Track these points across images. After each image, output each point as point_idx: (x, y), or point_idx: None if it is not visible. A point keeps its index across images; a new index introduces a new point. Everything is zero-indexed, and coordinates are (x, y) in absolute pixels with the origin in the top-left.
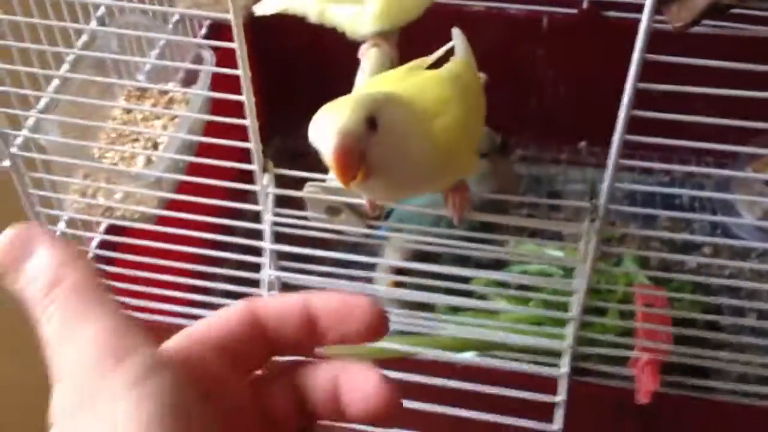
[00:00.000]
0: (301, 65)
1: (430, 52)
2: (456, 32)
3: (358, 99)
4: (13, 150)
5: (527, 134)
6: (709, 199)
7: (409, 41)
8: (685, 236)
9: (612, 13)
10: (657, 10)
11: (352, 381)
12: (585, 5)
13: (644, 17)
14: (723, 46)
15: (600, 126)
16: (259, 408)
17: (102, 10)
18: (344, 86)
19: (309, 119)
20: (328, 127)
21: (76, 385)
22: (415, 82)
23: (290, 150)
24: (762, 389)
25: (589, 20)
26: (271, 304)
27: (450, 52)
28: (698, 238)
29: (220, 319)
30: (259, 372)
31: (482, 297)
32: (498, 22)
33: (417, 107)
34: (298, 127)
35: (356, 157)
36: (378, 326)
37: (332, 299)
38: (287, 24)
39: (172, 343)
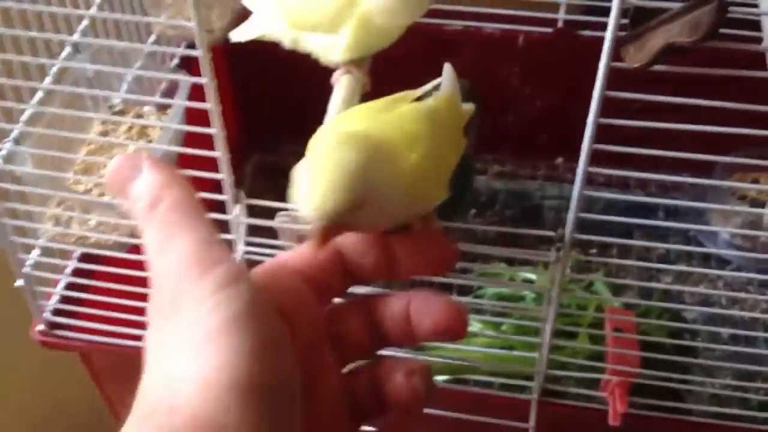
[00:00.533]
0: (279, 83)
1: (408, 72)
2: (446, 68)
3: (350, 180)
4: None
5: (504, 150)
6: (684, 220)
7: (387, 61)
8: (654, 264)
9: (586, 33)
10: (615, 53)
11: (422, 304)
12: (560, 24)
13: (603, 58)
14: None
15: (576, 142)
16: (333, 333)
17: (76, 37)
18: (321, 105)
19: (287, 136)
20: (314, 211)
21: (168, 289)
22: (390, 118)
23: (269, 166)
24: (732, 411)
25: (564, 39)
26: (352, 239)
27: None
28: (669, 267)
29: (304, 250)
30: (337, 301)
31: None
32: (475, 40)
33: (387, 146)
34: (276, 143)
35: (337, 232)
36: (448, 259)
37: (410, 235)
38: (265, 44)
39: (259, 268)
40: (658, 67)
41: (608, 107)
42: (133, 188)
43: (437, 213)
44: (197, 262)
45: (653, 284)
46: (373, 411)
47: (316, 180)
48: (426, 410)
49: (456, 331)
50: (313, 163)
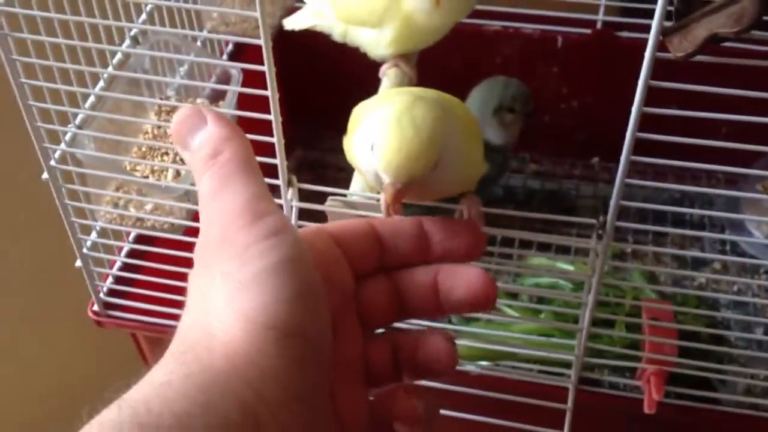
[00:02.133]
0: (323, 79)
1: (451, 70)
2: None
3: (432, 135)
4: (52, 163)
5: (541, 150)
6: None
7: (430, 58)
8: (693, 253)
9: (624, 34)
10: (661, 41)
11: (452, 274)
12: (599, 26)
13: (648, 48)
14: (733, 69)
15: (612, 143)
16: (360, 300)
17: (135, 30)
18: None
19: (329, 132)
20: (404, 163)
21: (219, 231)
22: (431, 92)
23: (311, 162)
24: (766, 401)
25: (603, 40)
26: (389, 221)
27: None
28: (707, 255)
29: (344, 222)
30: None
31: (495, 309)
32: (514, 40)
33: (447, 107)
34: (318, 139)
35: (415, 191)
36: (478, 243)
37: (443, 219)
38: (310, 39)
39: (300, 230)
40: (700, 58)
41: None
42: (196, 138)
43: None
44: (248, 211)
45: (692, 272)
46: (386, 378)
47: (400, 141)
48: (469, 391)
49: (488, 299)
50: (392, 123)
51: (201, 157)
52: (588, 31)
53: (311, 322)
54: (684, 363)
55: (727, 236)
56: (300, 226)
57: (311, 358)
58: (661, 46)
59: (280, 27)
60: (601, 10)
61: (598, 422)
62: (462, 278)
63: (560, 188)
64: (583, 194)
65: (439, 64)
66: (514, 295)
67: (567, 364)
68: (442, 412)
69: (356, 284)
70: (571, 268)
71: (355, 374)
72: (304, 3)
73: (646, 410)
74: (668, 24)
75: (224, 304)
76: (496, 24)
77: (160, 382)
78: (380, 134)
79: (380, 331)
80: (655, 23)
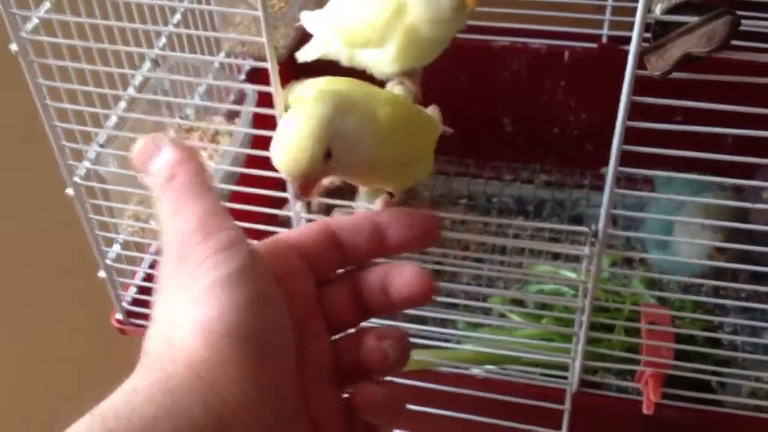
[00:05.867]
0: None
1: (457, 86)
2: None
3: (314, 132)
4: (77, 180)
5: (551, 160)
6: None
7: (440, 75)
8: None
9: (629, 48)
10: (640, 60)
11: (396, 274)
12: (604, 40)
13: (628, 66)
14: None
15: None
16: (323, 304)
17: (155, 53)
18: None
19: None
20: (288, 164)
21: (175, 250)
22: (367, 87)
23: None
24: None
25: (608, 54)
26: (345, 219)
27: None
28: (713, 263)
29: (301, 228)
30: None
31: (499, 314)
32: (522, 56)
33: (357, 101)
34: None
35: (314, 183)
36: (434, 230)
37: (397, 211)
38: (323, 61)
39: (259, 243)
40: (677, 75)
41: (653, 112)
42: (155, 164)
43: None
44: (202, 227)
45: (691, 279)
46: (356, 378)
47: (287, 138)
48: (467, 392)
49: (423, 295)
50: (279, 128)
51: (158, 181)
52: (594, 45)
53: (267, 326)
54: (681, 366)
55: (731, 245)
56: None
57: (270, 361)
58: (640, 65)
59: (294, 47)
60: (606, 24)
61: (600, 424)
62: (401, 276)
63: (570, 198)
64: (593, 203)
65: (448, 79)
66: (519, 302)
67: (567, 368)
68: (450, 413)
69: (320, 288)
70: (573, 275)
71: (325, 376)
72: None
73: (645, 411)
74: (646, 45)
75: (183, 317)
76: (505, 40)
77: (127, 390)
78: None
79: (351, 331)
80: (633, 44)
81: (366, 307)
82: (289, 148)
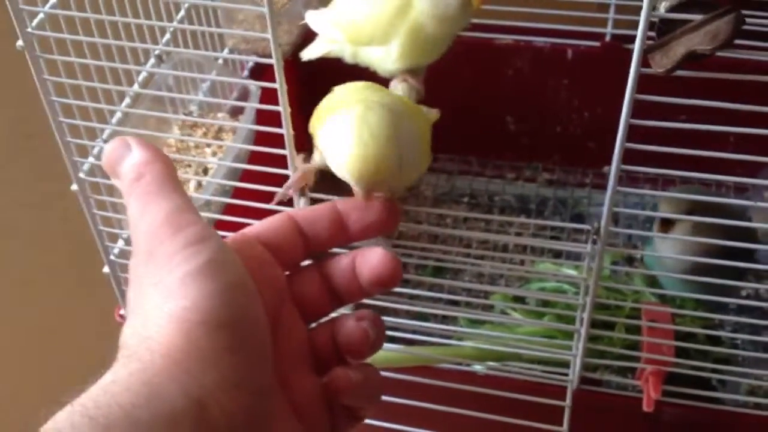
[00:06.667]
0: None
1: (460, 84)
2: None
3: (392, 139)
4: (81, 175)
5: (554, 159)
6: None
7: (444, 73)
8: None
9: (632, 46)
10: (644, 58)
11: (364, 258)
12: (607, 38)
13: (633, 64)
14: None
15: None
16: (295, 293)
17: (158, 50)
18: None
19: None
20: (367, 171)
21: (144, 248)
22: (383, 93)
23: (322, 172)
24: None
25: (611, 52)
26: (307, 210)
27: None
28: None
29: (265, 221)
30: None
31: (499, 311)
32: (526, 54)
33: (400, 111)
34: None
35: (383, 189)
36: (392, 216)
37: (354, 199)
38: (327, 59)
39: (226, 238)
40: (681, 73)
41: (656, 110)
42: (123, 165)
43: None
44: (170, 224)
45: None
46: (332, 364)
47: (361, 145)
48: (468, 389)
49: (391, 276)
50: (350, 131)
51: (127, 182)
52: (597, 43)
53: (241, 312)
54: (681, 363)
55: (735, 243)
56: None
57: (246, 345)
58: (644, 63)
59: (298, 44)
60: (610, 23)
61: (601, 420)
62: (369, 260)
63: (572, 196)
64: (595, 202)
65: (452, 77)
66: (520, 299)
67: (568, 365)
68: (452, 410)
69: (289, 278)
70: (574, 273)
71: (303, 362)
72: None
73: (645, 408)
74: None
75: (157, 310)
76: (508, 38)
77: (107, 382)
78: (344, 145)
79: (325, 320)
80: (638, 41)
81: (337, 293)
82: (367, 155)
